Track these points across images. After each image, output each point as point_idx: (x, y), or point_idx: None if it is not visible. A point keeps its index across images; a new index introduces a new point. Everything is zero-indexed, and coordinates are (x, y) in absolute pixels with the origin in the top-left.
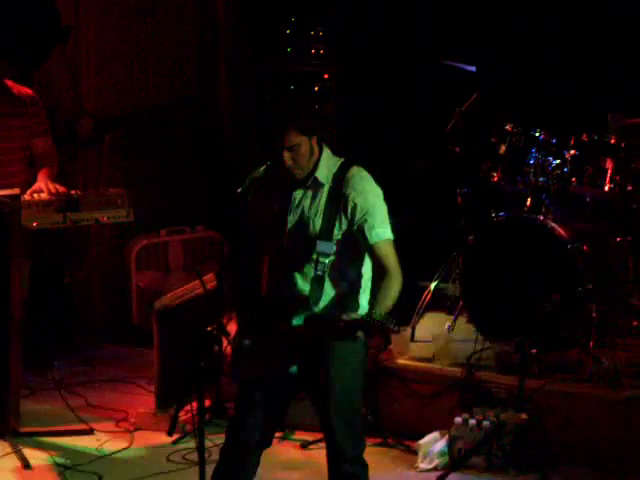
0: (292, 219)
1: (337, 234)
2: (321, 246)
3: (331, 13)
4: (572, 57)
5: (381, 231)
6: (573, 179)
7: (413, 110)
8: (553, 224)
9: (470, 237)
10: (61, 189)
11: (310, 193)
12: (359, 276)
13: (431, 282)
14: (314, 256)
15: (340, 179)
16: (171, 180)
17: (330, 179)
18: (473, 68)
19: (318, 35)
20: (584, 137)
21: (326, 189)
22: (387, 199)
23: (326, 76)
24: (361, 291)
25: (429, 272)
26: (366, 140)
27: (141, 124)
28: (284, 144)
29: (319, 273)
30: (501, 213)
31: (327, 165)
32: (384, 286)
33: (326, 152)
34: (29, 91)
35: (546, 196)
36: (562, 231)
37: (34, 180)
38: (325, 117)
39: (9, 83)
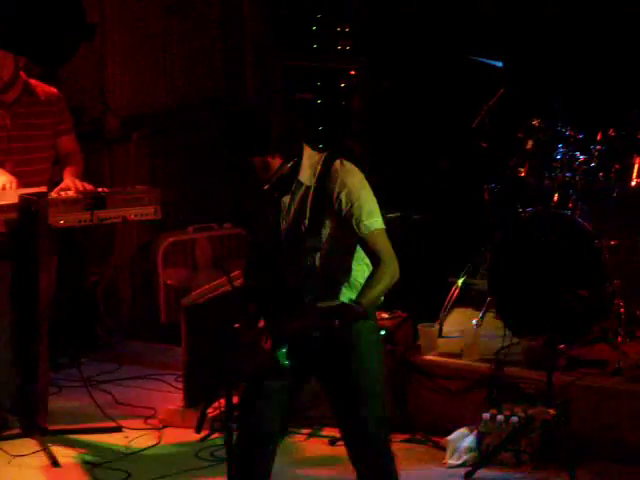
0: (285, 224)
1: (326, 231)
2: (309, 241)
3: (357, 9)
4: (600, 52)
5: (369, 222)
6: (600, 174)
7: (440, 105)
8: (580, 219)
9: (497, 233)
10: (88, 187)
11: (297, 196)
12: (350, 272)
13: (459, 278)
14: (305, 253)
15: (324, 176)
16: (198, 177)
17: (314, 178)
18: (500, 63)
19: (344, 31)
20: (611, 132)
21: (312, 188)
22: (414, 194)
23: (352, 72)
24: (352, 286)
25: (457, 268)
26: (392, 136)
27: (168, 121)
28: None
29: (309, 268)
30: (528, 209)
31: (309, 165)
32: (373, 277)
33: (306, 152)
34: (54, 90)
35: (573, 191)
36: (589, 226)
37: (60, 178)
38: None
39: (34, 82)
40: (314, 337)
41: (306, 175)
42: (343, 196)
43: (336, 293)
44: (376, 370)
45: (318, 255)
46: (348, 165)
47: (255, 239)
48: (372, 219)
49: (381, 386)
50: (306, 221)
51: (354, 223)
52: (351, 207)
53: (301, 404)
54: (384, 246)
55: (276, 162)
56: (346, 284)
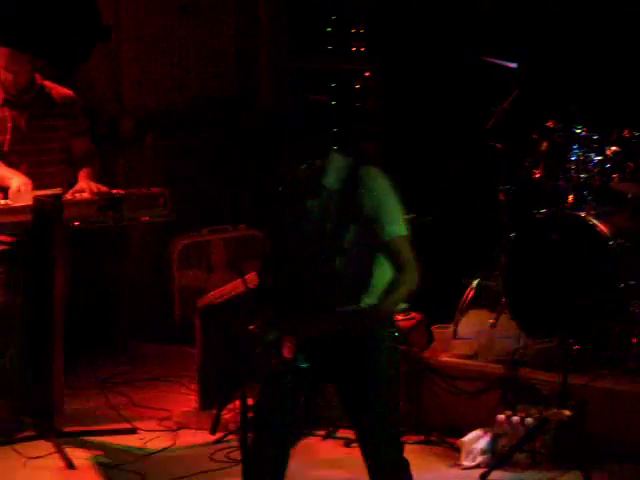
0: (307, 226)
1: (349, 236)
2: (331, 245)
3: (372, 11)
4: (615, 52)
5: (393, 228)
6: (615, 175)
7: (454, 107)
8: (595, 220)
9: (512, 234)
10: (103, 189)
11: (322, 201)
12: (371, 277)
13: (474, 279)
14: (328, 256)
15: (350, 181)
16: (213, 179)
17: (340, 183)
18: (514, 65)
19: (359, 33)
20: (626, 133)
21: (337, 193)
22: (429, 195)
23: (367, 74)
24: (374, 291)
25: (472, 269)
26: (407, 137)
27: (182, 123)
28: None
29: (330, 272)
30: (543, 209)
31: (335, 169)
32: (392, 283)
33: (333, 157)
34: (68, 91)
35: (588, 192)
36: (604, 227)
37: (75, 180)
38: (366, 116)
39: (48, 84)
40: (330, 340)
41: (332, 179)
42: (368, 201)
43: (356, 298)
44: (391, 376)
45: (340, 259)
46: (374, 171)
47: (274, 240)
48: (396, 225)
49: (396, 392)
50: (330, 224)
51: (378, 228)
52: (376, 213)
53: (316, 406)
54: (406, 253)
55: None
56: (366, 289)
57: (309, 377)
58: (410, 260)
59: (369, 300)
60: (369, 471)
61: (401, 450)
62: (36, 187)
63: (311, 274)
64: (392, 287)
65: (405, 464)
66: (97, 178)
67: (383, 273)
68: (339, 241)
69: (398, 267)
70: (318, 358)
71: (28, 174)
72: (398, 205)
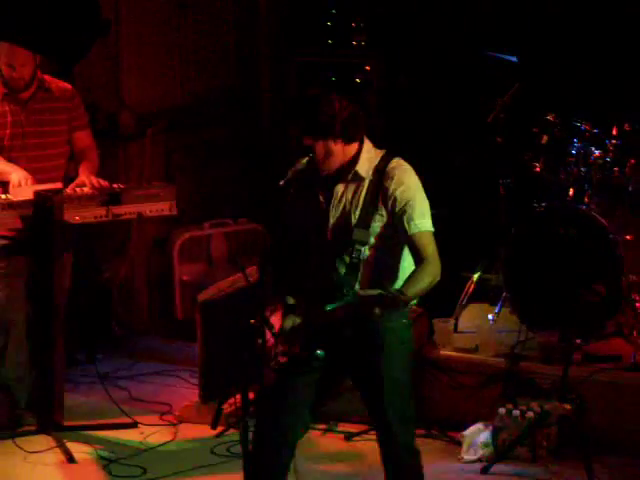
0: (335, 213)
1: (376, 225)
2: (357, 234)
3: (372, 4)
4: (615, 46)
5: (420, 222)
6: (615, 169)
7: (455, 101)
8: (595, 214)
9: (513, 227)
10: (104, 183)
11: (352, 187)
12: (397, 270)
13: (474, 273)
14: (354, 246)
15: (381, 172)
16: (213, 173)
17: (371, 172)
18: (515, 58)
19: (359, 26)
20: (626, 127)
21: (367, 182)
22: (429, 189)
23: (367, 68)
24: (398, 284)
25: (472, 263)
26: (408, 131)
27: (182, 117)
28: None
29: (354, 261)
30: (543, 203)
31: (368, 158)
32: (417, 272)
33: (367, 145)
34: (68, 86)
35: (588, 186)
36: (604, 221)
37: (75, 174)
38: (366, 110)
39: (48, 78)
40: (347, 326)
41: (364, 168)
42: (398, 193)
43: (381, 288)
44: (406, 369)
45: (364, 249)
46: (406, 165)
47: (290, 230)
48: (423, 220)
49: (409, 384)
50: (357, 212)
51: (405, 221)
52: (405, 205)
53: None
54: (431, 247)
55: (338, 147)
56: (392, 280)
57: (325, 369)
58: (434, 254)
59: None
60: (382, 455)
61: (413, 435)
62: (37, 181)
63: (334, 263)
64: (415, 277)
65: (416, 451)
66: (97, 172)
67: (408, 265)
68: (365, 230)
69: (422, 260)
70: (334, 350)
71: (28, 169)
72: (426, 201)
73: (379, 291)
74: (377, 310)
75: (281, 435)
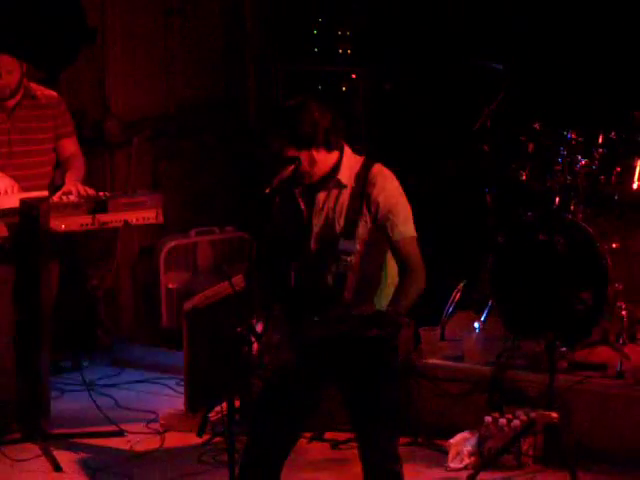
0: (317, 222)
1: (362, 233)
2: (343, 244)
3: (358, 13)
4: (601, 54)
5: (404, 229)
6: (601, 177)
7: (441, 109)
8: (581, 222)
9: (499, 236)
10: (90, 191)
11: (333, 194)
12: (382, 276)
13: (461, 281)
14: (338, 254)
15: (362, 178)
16: (200, 181)
17: (352, 179)
18: (500, 66)
19: (345, 35)
20: (612, 135)
21: (349, 189)
22: (416, 198)
23: (354, 76)
24: (383, 291)
25: (459, 271)
26: (394, 140)
27: (169, 125)
28: (282, 155)
29: (341, 271)
30: (529, 212)
31: (349, 165)
32: (404, 284)
33: (347, 152)
34: (54, 93)
35: (574, 194)
36: (591, 229)
37: (62, 182)
38: (344, 117)
39: (34, 86)
40: (338, 340)
41: (345, 175)
42: (381, 200)
43: (365, 298)
44: (393, 377)
45: (351, 258)
46: (387, 171)
47: (275, 238)
48: (407, 226)
49: (396, 393)
50: (342, 220)
51: (389, 227)
52: (388, 212)
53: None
54: (415, 254)
55: (321, 156)
56: (377, 288)
57: (315, 379)
58: (418, 261)
59: (379, 300)
60: (363, 463)
61: (395, 444)
62: (23, 189)
63: (320, 272)
64: (403, 289)
65: (398, 459)
66: (83, 180)
67: (392, 270)
68: (350, 238)
69: (407, 267)
70: (322, 358)
71: (14, 176)
72: (409, 207)
73: (375, 310)
74: (374, 330)
75: (275, 444)
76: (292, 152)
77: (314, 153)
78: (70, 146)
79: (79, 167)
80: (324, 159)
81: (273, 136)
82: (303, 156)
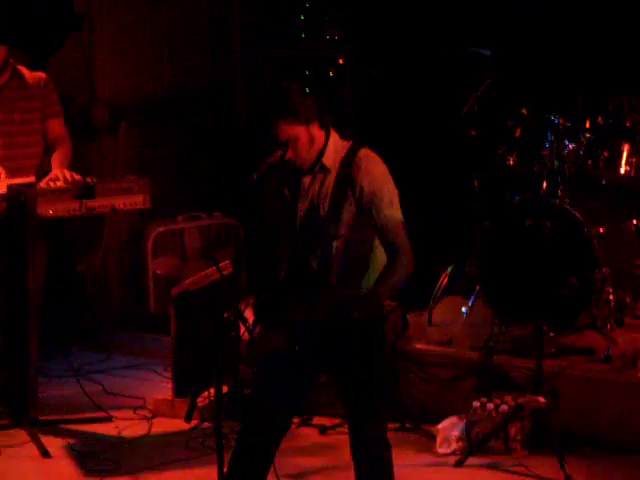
0: (302, 205)
1: (346, 217)
2: (329, 228)
3: None
4: (588, 40)
5: (389, 213)
6: (589, 162)
7: (428, 94)
8: (569, 207)
9: (486, 221)
10: (77, 177)
11: (319, 178)
12: (369, 261)
13: (448, 266)
14: (324, 238)
15: (348, 163)
16: (187, 166)
17: (338, 163)
18: (488, 52)
19: (332, 20)
20: (600, 120)
21: (334, 173)
22: (402, 182)
23: (341, 61)
24: (371, 275)
25: (446, 256)
26: (381, 125)
27: (156, 111)
28: (279, 139)
29: (327, 254)
30: (517, 196)
31: (334, 149)
32: (389, 267)
33: (333, 136)
34: (42, 74)
35: (562, 179)
36: (578, 214)
37: (48, 167)
38: (332, 102)
39: (21, 68)
40: (327, 323)
41: (330, 159)
42: (366, 184)
43: (351, 282)
44: (381, 362)
45: (336, 242)
46: (373, 155)
47: (264, 223)
48: (392, 210)
49: (384, 378)
50: (326, 205)
51: (374, 211)
52: (373, 196)
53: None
54: (401, 237)
55: (315, 131)
56: (364, 272)
57: (307, 364)
58: (405, 244)
59: (366, 284)
60: (352, 448)
61: (384, 429)
62: (10, 169)
63: (307, 256)
64: (389, 272)
65: (387, 444)
66: (71, 165)
67: (379, 255)
68: (335, 222)
69: (393, 251)
70: (313, 341)
71: (1, 156)
72: (395, 191)
73: (358, 293)
74: (355, 313)
75: (270, 429)
76: (292, 129)
77: (312, 128)
78: (57, 127)
79: (66, 150)
80: (319, 136)
81: (274, 112)
82: (302, 132)
